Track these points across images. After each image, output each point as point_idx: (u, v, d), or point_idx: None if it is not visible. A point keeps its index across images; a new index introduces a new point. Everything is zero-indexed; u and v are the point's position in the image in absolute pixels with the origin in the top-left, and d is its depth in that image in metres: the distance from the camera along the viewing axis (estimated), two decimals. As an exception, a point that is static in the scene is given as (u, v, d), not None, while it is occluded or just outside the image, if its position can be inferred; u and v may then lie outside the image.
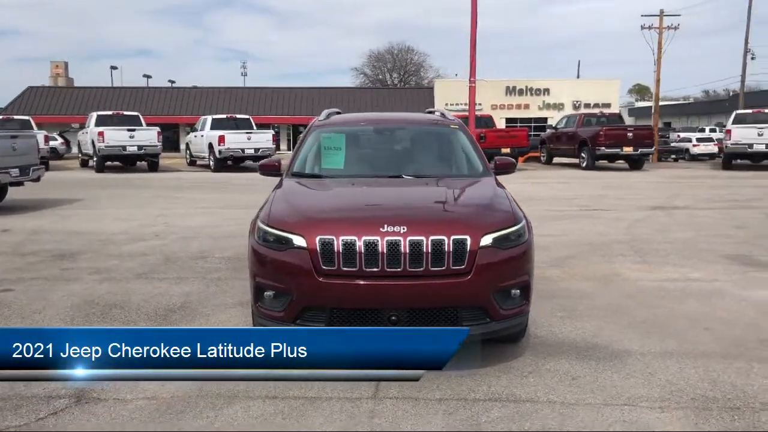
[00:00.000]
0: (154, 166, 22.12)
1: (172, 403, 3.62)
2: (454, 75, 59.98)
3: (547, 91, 40.99)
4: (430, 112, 6.47)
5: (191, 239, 8.76)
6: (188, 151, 25.72)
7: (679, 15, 40.00)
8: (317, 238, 3.78)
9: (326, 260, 3.76)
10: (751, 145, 21.19)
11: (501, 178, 5.18)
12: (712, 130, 38.47)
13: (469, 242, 3.78)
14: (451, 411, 3.52)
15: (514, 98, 40.57)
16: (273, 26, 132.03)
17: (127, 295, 5.87)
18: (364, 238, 3.73)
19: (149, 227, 9.75)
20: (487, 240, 3.84)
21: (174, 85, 51.86)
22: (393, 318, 3.77)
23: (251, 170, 23.30)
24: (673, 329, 4.87)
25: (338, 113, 6.16)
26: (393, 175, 4.92)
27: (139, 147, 21.14)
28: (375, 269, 3.73)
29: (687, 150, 32.52)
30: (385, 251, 3.71)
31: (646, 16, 35.22)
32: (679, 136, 35.89)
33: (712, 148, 31.99)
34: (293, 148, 39.50)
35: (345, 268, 3.74)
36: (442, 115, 6.04)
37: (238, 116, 24.55)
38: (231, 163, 22.53)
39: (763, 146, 21.05)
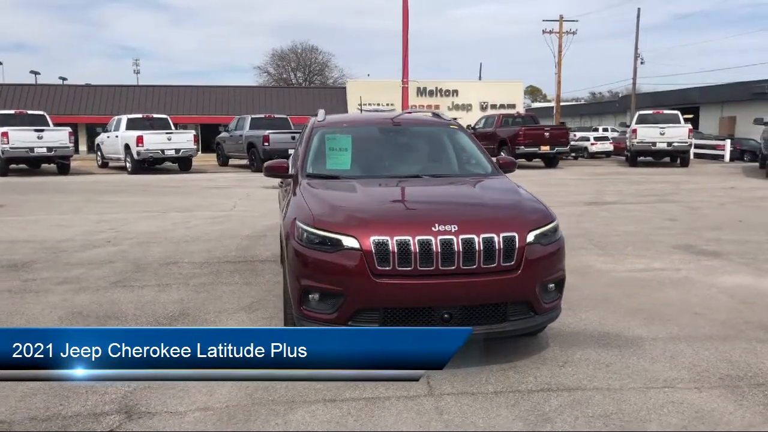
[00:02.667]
0: (65, 169, 20.73)
1: (231, 412, 3.52)
2: (367, 75, 60.40)
3: (455, 92, 42.10)
4: (408, 113, 6.55)
5: (149, 245, 8.38)
6: (99, 153, 24.36)
7: (576, 21, 42.53)
8: (371, 239, 3.78)
9: (381, 261, 3.77)
10: (654, 143, 22.82)
11: None
12: (605, 130, 40.83)
13: (517, 239, 3.91)
14: (512, 403, 3.63)
15: (425, 99, 41.30)
16: (168, 23, 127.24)
17: (115, 305, 5.57)
18: (418, 237, 3.77)
19: (97, 233, 9.22)
20: (531, 237, 3.99)
21: (66, 82, 48.91)
22: (446, 316, 3.84)
23: (171, 171, 22.41)
24: (667, 316, 5.22)
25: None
26: (411, 175, 4.97)
27: (49, 148, 19.75)
28: (429, 268, 3.78)
29: (586, 148, 34.38)
30: (439, 250, 3.77)
31: (547, 21, 36.93)
32: (575, 135, 37.83)
33: (608, 146, 34.05)
34: (203, 148, 38.49)
35: (400, 268, 3.77)
36: (437, 115, 6.14)
37: (155, 116, 23.52)
38: (147, 165, 21.55)
39: (665, 144, 22.73)
